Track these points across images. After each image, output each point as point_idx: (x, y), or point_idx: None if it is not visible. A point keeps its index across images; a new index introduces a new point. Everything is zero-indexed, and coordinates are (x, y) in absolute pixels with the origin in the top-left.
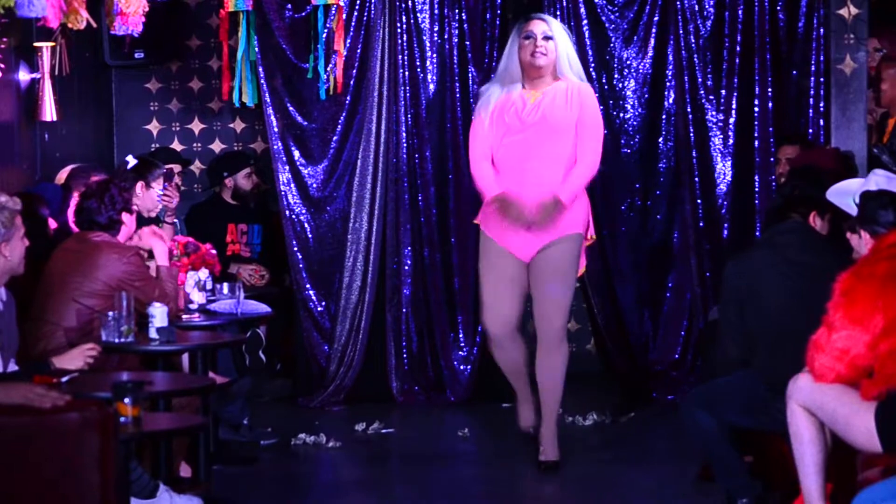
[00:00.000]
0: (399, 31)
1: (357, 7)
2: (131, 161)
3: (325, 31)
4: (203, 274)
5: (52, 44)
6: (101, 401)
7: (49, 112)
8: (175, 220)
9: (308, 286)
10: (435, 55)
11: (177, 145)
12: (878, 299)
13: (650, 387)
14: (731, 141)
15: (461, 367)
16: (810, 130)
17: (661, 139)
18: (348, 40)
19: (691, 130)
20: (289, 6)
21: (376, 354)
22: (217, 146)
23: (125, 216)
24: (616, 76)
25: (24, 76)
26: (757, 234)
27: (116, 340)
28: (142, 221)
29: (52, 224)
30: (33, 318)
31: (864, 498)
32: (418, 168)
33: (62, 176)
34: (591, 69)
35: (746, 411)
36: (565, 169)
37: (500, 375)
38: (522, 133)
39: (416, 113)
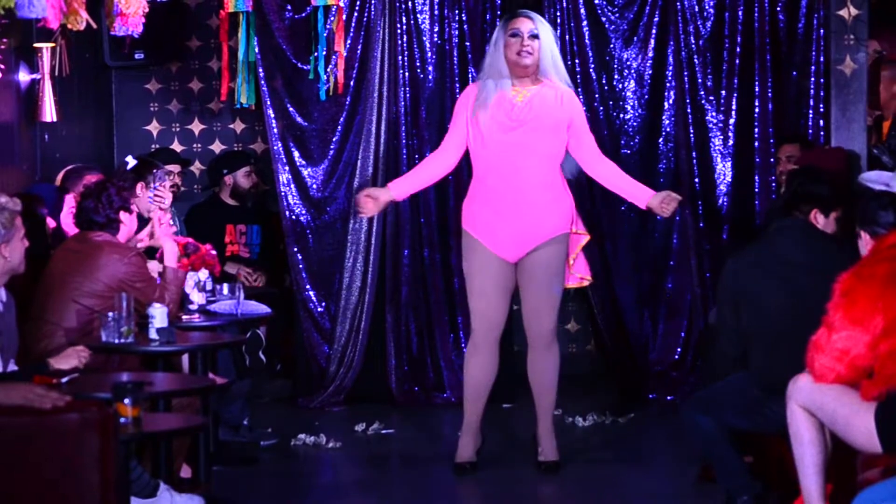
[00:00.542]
0: (399, 31)
1: (357, 8)
2: (131, 162)
3: (326, 31)
4: (203, 274)
5: (53, 44)
6: (101, 401)
7: (49, 113)
8: (171, 222)
9: (308, 287)
10: (435, 56)
11: (177, 146)
12: (879, 300)
13: (650, 387)
14: (731, 141)
15: (461, 368)
16: (810, 131)
17: (661, 140)
18: (348, 41)
19: (691, 131)
20: (289, 7)
21: (376, 355)
22: (217, 147)
23: (124, 216)
24: (616, 77)
25: (24, 77)
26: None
27: (116, 341)
28: (142, 222)
29: (51, 224)
30: (33, 319)
31: (864, 498)
32: None
33: (61, 177)
34: (590, 70)
35: (743, 413)
36: (556, 166)
37: (502, 375)
38: (514, 131)
39: (415, 114)
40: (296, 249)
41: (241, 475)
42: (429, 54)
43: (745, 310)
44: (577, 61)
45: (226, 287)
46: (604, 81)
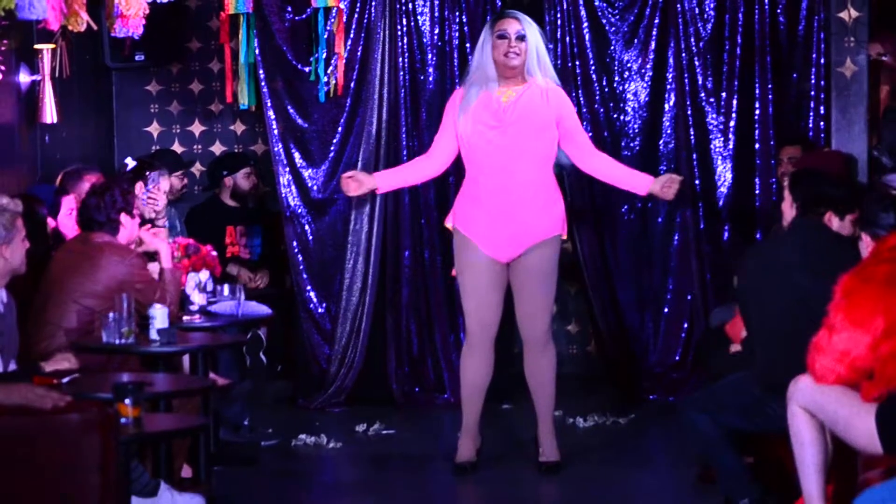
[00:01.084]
0: (399, 33)
1: (357, 9)
2: (130, 163)
3: (326, 33)
4: (203, 275)
5: (53, 46)
6: (101, 402)
7: (49, 114)
8: (166, 223)
9: (309, 288)
10: (435, 57)
11: (177, 147)
12: (879, 301)
13: (650, 388)
14: (731, 143)
15: None
16: (811, 133)
17: (661, 142)
18: (349, 43)
19: (692, 133)
20: (289, 8)
21: (377, 356)
22: (217, 148)
23: (125, 218)
24: (616, 79)
25: (24, 78)
26: (758, 236)
27: (117, 342)
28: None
29: (52, 224)
30: (33, 319)
31: (864, 499)
32: None
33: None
34: (591, 72)
35: (743, 413)
36: (548, 167)
37: (502, 376)
38: (501, 131)
39: (416, 115)
40: (296, 251)
41: (241, 475)
42: (429, 56)
43: (751, 308)
44: (577, 63)
45: (226, 288)
46: (604, 83)
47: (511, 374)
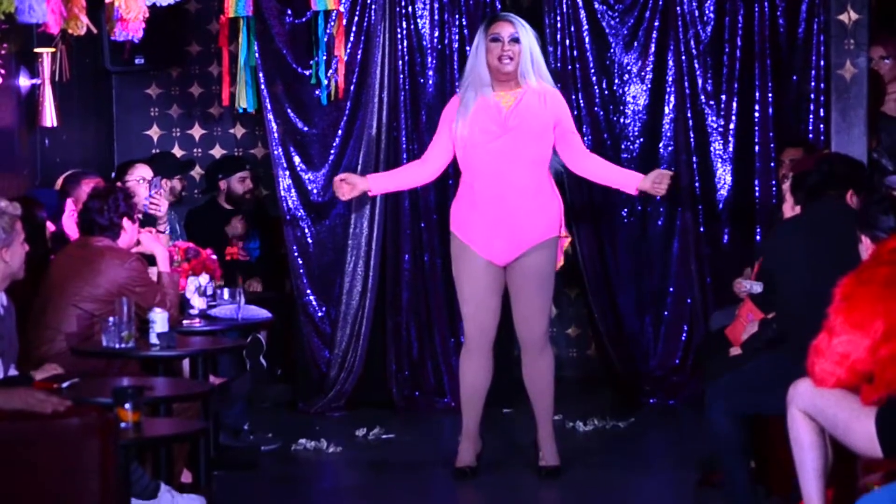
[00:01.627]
0: (399, 36)
1: (357, 13)
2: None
3: (326, 36)
4: (203, 279)
5: (53, 49)
6: (101, 406)
7: (49, 118)
8: (167, 228)
9: (308, 291)
10: (435, 61)
11: (177, 151)
12: (879, 304)
13: (650, 392)
14: (731, 146)
15: None
16: (810, 136)
17: (661, 144)
18: (349, 46)
19: (691, 136)
20: (289, 12)
21: (377, 360)
22: (217, 152)
23: (126, 223)
24: (616, 81)
25: (24, 82)
26: (757, 238)
27: (117, 346)
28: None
29: (51, 228)
30: (33, 323)
31: (864, 503)
32: None
33: (60, 182)
34: (591, 74)
35: (773, 391)
36: (544, 170)
37: (502, 380)
38: (502, 138)
39: (416, 119)
40: (296, 254)
41: (241, 480)
42: (429, 59)
43: (781, 287)
44: (577, 66)
45: (226, 292)
46: (604, 86)
47: (511, 378)
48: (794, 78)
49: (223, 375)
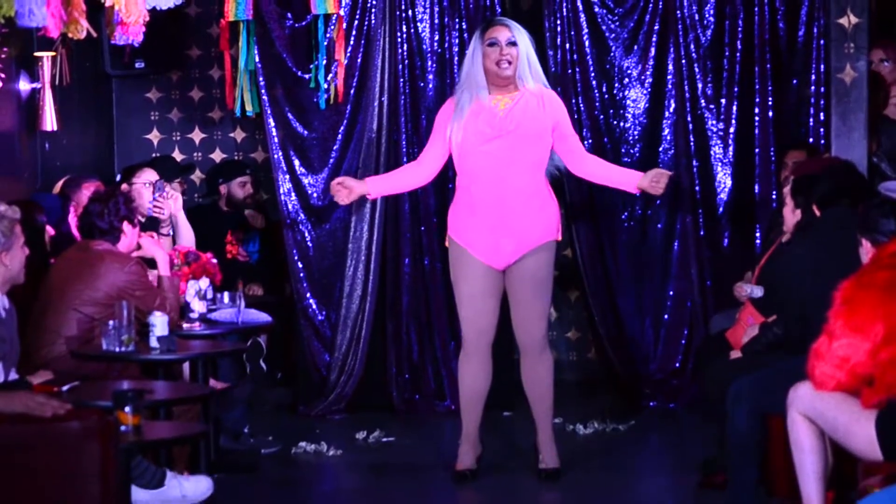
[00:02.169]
0: (399, 40)
1: (357, 16)
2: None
3: (326, 40)
4: (204, 283)
5: (53, 53)
6: (101, 409)
7: (50, 122)
8: (170, 232)
9: (309, 295)
10: (435, 64)
11: (177, 155)
12: (879, 308)
13: (650, 395)
14: (731, 150)
15: None
16: (811, 139)
17: (661, 148)
18: (349, 50)
19: (692, 139)
20: (289, 15)
21: (377, 363)
22: (217, 155)
23: (127, 226)
24: (616, 85)
25: (24, 86)
26: (757, 242)
27: (117, 349)
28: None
29: (50, 232)
30: (33, 327)
31: None
32: None
33: (59, 186)
34: (591, 78)
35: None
36: (541, 172)
37: (501, 383)
38: (498, 141)
39: (416, 122)
40: (297, 258)
41: (241, 483)
42: (429, 63)
43: (798, 294)
44: (577, 70)
45: (226, 295)
46: (604, 90)
47: (510, 382)
48: (794, 81)
49: (223, 379)
